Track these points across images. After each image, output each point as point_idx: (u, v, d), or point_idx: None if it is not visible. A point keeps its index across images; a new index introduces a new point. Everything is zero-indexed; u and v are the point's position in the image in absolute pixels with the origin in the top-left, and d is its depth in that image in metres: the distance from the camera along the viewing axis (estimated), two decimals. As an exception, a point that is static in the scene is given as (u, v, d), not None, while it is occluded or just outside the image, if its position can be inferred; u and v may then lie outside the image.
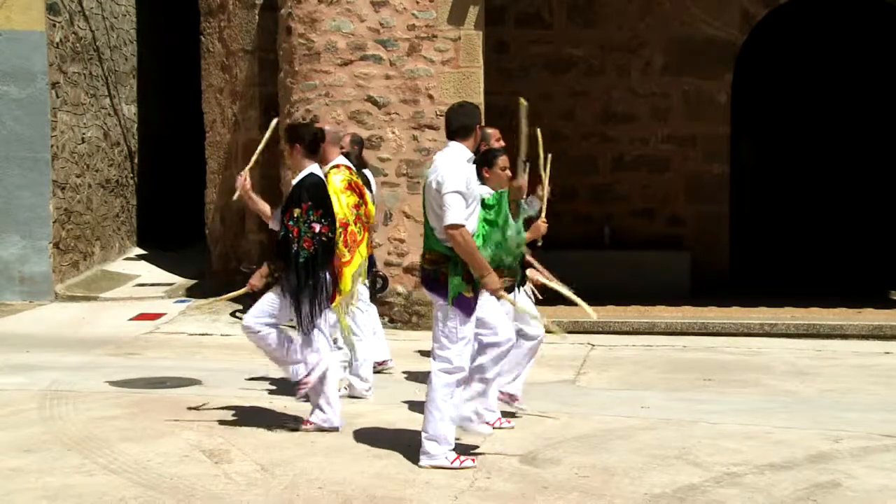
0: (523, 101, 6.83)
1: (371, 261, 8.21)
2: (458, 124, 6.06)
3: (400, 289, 11.10)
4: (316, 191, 6.46)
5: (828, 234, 14.09)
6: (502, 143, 7.74)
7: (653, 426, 6.85)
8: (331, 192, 6.81)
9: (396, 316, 11.22)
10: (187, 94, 15.97)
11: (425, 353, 9.78)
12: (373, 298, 11.05)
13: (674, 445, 6.31)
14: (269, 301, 6.53)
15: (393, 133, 11.21)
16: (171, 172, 17.50)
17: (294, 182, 6.54)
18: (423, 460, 5.84)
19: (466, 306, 5.84)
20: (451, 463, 5.80)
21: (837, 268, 13.79)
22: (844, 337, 10.60)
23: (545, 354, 9.73)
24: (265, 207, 6.86)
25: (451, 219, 5.74)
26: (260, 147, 7.01)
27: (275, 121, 7.18)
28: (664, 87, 13.61)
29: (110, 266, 15.13)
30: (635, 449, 6.24)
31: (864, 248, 13.97)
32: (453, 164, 5.86)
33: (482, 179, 6.48)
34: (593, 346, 10.29)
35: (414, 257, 10.46)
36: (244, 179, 6.73)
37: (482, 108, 11.11)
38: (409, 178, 11.18)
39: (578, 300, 6.81)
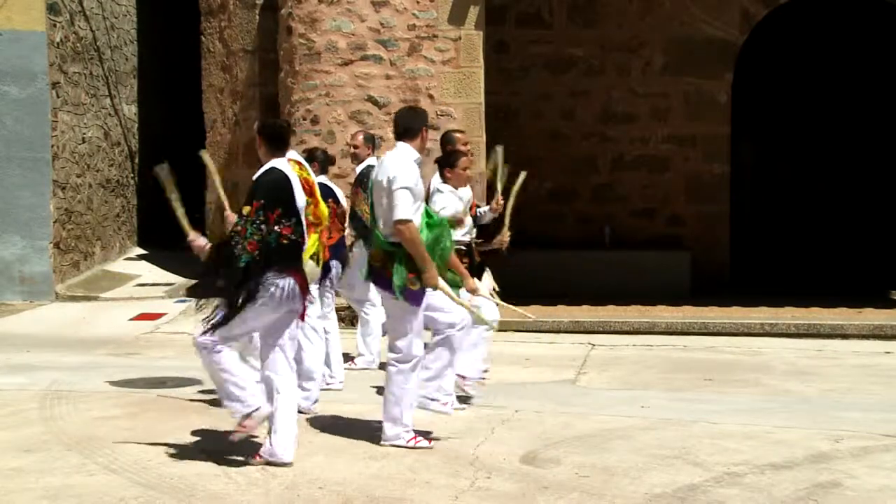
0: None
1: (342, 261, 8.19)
2: (405, 126, 6.43)
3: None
4: (273, 188, 5.83)
5: (828, 234, 14.08)
6: (468, 147, 8.16)
7: (653, 426, 6.85)
8: None
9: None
10: (188, 94, 15.97)
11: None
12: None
13: (674, 445, 6.31)
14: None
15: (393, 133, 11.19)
16: (171, 172, 17.46)
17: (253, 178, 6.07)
18: (383, 440, 6.26)
19: (414, 298, 6.17)
20: (408, 442, 6.21)
21: (838, 268, 13.78)
22: (845, 337, 10.60)
23: (545, 354, 9.76)
24: None
25: (400, 214, 6.08)
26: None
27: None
28: (664, 87, 13.61)
29: (111, 266, 15.13)
30: (635, 449, 6.24)
31: (865, 248, 13.97)
32: (403, 163, 6.22)
33: (444, 179, 7.17)
34: (594, 345, 10.29)
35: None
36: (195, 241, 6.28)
37: (482, 108, 11.17)
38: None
39: (510, 307, 7.26)
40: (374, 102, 11.19)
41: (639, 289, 12.18)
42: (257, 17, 12.93)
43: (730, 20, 13.43)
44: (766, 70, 14.00)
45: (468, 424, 6.84)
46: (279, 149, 6.04)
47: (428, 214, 6.37)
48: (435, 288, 6.27)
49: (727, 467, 5.86)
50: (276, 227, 5.75)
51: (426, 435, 6.38)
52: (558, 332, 10.87)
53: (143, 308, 12.48)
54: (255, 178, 5.95)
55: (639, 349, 10.16)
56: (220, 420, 6.89)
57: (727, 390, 8.26)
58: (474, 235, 7.69)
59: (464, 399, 7.30)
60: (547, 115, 13.75)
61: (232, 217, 6.25)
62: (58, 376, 8.37)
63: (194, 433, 6.57)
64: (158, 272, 14.98)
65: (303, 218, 5.96)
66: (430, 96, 11.13)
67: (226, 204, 6.74)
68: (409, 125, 6.40)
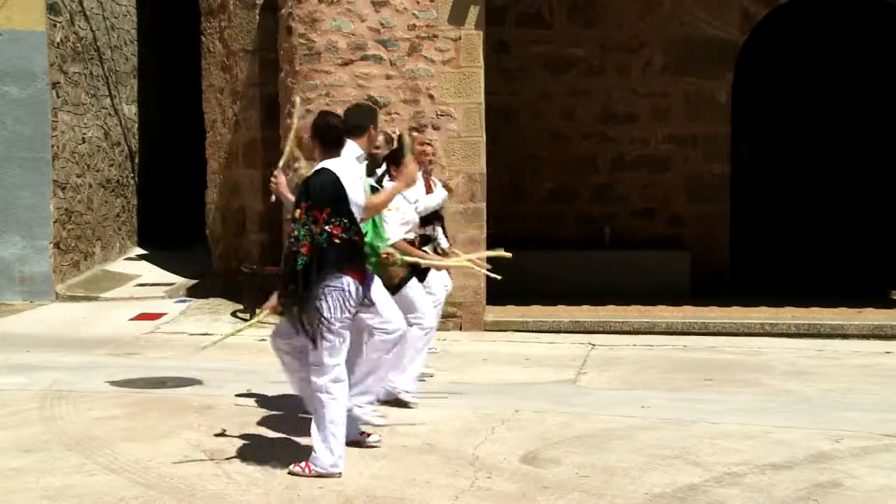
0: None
1: None
2: (352, 124, 6.32)
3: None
4: (322, 189, 5.70)
5: (828, 234, 14.08)
6: (425, 148, 8.36)
7: (653, 426, 6.85)
8: None
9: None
10: (188, 94, 15.97)
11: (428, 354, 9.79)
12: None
13: (674, 445, 6.31)
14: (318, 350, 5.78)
15: (393, 133, 11.19)
16: (171, 172, 17.50)
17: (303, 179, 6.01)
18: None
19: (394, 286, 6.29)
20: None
21: (838, 267, 13.78)
22: (845, 337, 10.60)
23: (545, 354, 9.76)
24: None
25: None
26: (289, 145, 6.59)
27: (298, 100, 7.10)
28: (664, 87, 13.61)
29: (111, 266, 15.13)
30: (636, 449, 6.24)
31: (865, 248, 13.97)
32: (345, 161, 6.07)
33: (391, 176, 7.18)
34: (594, 345, 10.29)
35: (414, 257, 10.44)
36: (278, 178, 6.27)
37: (482, 107, 11.17)
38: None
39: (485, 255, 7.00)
40: (375, 102, 11.18)
41: (639, 289, 12.18)
42: (257, 17, 12.94)
43: (730, 20, 13.43)
44: (766, 70, 14.00)
45: (468, 424, 6.84)
46: (332, 147, 5.90)
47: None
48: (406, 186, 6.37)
49: (727, 467, 5.86)
50: (326, 227, 5.62)
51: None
52: (558, 332, 10.87)
53: (143, 308, 12.49)
54: (304, 179, 5.87)
55: (639, 349, 10.16)
56: (220, 420, 6.90)
57: (727, 390, 8.26)
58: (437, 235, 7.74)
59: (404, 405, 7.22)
60: (547, 115, 13.74)
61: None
62: (58, 376, 8.37)
63: (194, 433, 6.57)
64: (158, 272, 14.98)
65: (357, 216, 5.82)
66: (430, 96, 11.13)
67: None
68: (357, 122, 6.32)
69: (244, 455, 6.05)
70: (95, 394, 7.77)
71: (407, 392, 7.24)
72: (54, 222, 13.18)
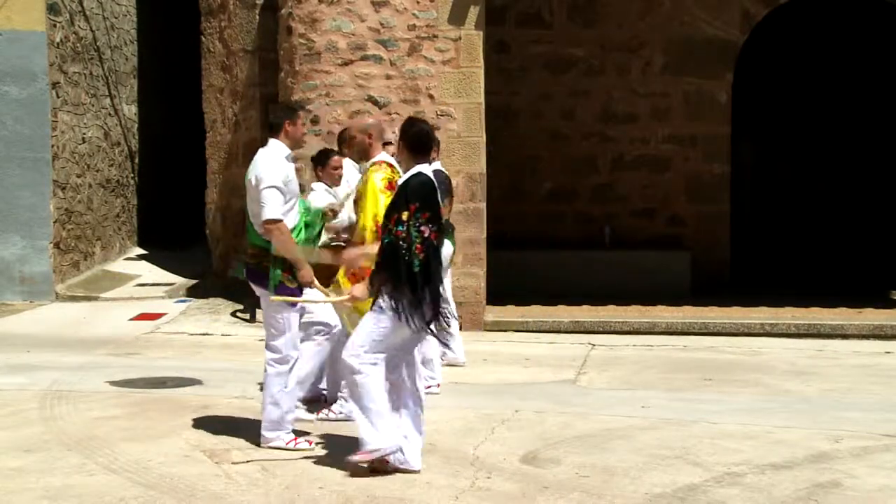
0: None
1: None
2: (269, 122, 6.42)
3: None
4: (422, 192, 5.70)
5: (828, 234, 14.08)
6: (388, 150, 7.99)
7: (653, 426, 6.85)
8: (368, 192, 6.63)
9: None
10: (188, 94, 15.97)
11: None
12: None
13: (674, 445, 6.31)
14: (370, 328, 5.72)
15: (394, 133, 11.18)
16: (171, 172, 17.50)
17: (399, 182, 5.92)
18: (263, 442, 6.19)
19: (289, 296, 6.12)
20: (287, 444, 6.15)
21: (838, 268, 13.78)
22: (845, 337, 10.60)
23: (545, 354, 9.76)
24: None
25: (268, 214, 6.03)
26: None
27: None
28: (664, 87, 13.61)
29: (111, 266, 15.13)
30: (636, 449, 6.24)
31: (865, 248, 13.97)
32: (270, 161, 6.14)
33: (318, 177, 7.31)
34: (594, 345, 10.29)
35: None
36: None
37: (482, 108, 11.17)
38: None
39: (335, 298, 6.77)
40: (375, 102, 11.19)
41: (639, 289, 12.18)
42: (257, 17, 12.94)
43: (730, 20, 13.43)
44: (767, 70, 14.00)
45: (468, 424, 6.84)
46: (420, 152, 5.85)
47: (305, 208, 6.38)
48: (310, 286, 6.20)
49: (727, 467, 5.86)
50: (423, 230, 5.64)
51: (306, 435, 6.35)
52: (558, 332, 10.87)
53: (143, 308, 12.49)
54: (401, 182, 5.83)
55: (639, 349, 10.16)
56: (220, 420, 6.90)
57: (727, 390, 8.26)
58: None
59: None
60: (547, 115, 13.74)
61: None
62: (58, 376, 8.37)
63: (194, 433, 6.57)
64: (158, 272, 14.99)
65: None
66: (430, 96, 11.13)
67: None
68: (273, 120, 6.34)
69: (244, 455, 6.05)
70: (95, 394, 7.77)
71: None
72: (54, 222, 13.18)
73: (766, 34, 13.60)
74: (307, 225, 6.34)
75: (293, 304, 6.16)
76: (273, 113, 6.48)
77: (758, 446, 6.31)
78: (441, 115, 11.10)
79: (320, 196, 7.31)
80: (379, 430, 5.63)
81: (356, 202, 6.92)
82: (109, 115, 15.50)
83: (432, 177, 5.83)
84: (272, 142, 6.27)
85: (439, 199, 5.84)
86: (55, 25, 13.35)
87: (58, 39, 13.43)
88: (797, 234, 14.13)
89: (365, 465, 5.67)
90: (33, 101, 12.99)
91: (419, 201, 5.65)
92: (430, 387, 7.34)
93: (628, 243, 13.41)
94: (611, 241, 13.47)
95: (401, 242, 5.59)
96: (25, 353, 9.66)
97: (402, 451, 5.72)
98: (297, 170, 6.69)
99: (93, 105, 14.79)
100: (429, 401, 7.43)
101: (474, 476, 5.68)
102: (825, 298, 11.86)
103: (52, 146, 13.17)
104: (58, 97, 13.40)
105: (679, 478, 5.66)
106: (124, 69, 16.21)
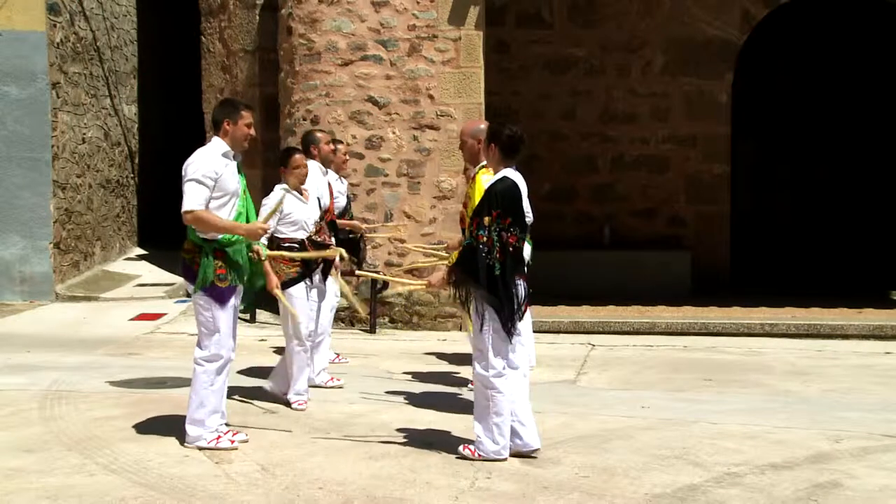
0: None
1: None
2: (212, 120, 6.42)
3: (400, 289, 11.10)
4: (506, 197, 5.85)
5: (828, 234, 14.09)
6: (333, 147, 8.44)
7: (653, 426, 6.85)
8: (476, 194, 6.57)
9: (397, 316, 11.23)
10: (188, 95, 15.97)
11: (429, 354, 9.80)
12: (373, 298, 11.12)
13: (674, 445, 6.31)
14: (482, 339, 5.94)
15: (393, 133, 11.21)
16: (171, 173, 17.45)
17: (486, 187, 6.04)
18: (187, 442, 6.19)
19: (219, 296, 6.11)
20: (209, 443, 6.16)
21: (838, 268, 13.79)
22: (845, 337, 10.61)
23: (545, 354, 9.75)
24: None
25: (185, 205, 6.07)
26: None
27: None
28: (664, 87, 13.62)
29: (111, 266, 15.13)
30: (636, 449, 6.24)
31: (865, 249, 13.98)
32: (199, 157, 6.16)
33: (283, 178, 7.33)
34: (594, 346, 10.29)
35: (414, 257, 10.46)
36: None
37: (482, 108, 11.17)
38: (410, 178, 11.19)
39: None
40: (375, 103, 11.19)
41: (639, 289, 12.19)
42: (257, 17, 12.94)
43: (730, 20, 13.44)
44: (767, 70, 14.01)
45: (468, 425, 6.83)
46: (511, 155, 6.00)
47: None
48: (265, 232, 6.25)
49: (727, 467, 5.86)
50: (504, 235, 5.82)
51: (229, 434, 6.30)
52: (558, 332, 10.88)
53: (143, 308, 12.49)
54: (487, 186, 5.97)
55: (639, 349, 10.16)
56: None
57: (727, 390, 8.26)
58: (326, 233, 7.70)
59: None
60: (547, 115, 13.76)
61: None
62: (58, 376, 8.37)
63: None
64: (158, 272, 14.98)
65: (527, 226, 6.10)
66: (431, 96, 11.13)
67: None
68: (213, 118, 6.34)
69: (244, 455, 6.05)
70: (95, 394, 7.77)
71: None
72: (54, 222, 13.18)
73: (766, 34, 13.61)
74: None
75: (222, 300, 6.15)
76: (215, 110, 6.41)
77: (758, 446, 6.31)
78: (441, 116, 11.10)
79: (274, 196, 7.32)
80: (499, 443, 5.94)
81: (465, 205, 7.05)
82: (109, 115, 15.50)
83: (518, 181, 5.95)
84: (213, 139, 6.28)
85: (522, 205, 5.98)
86: (55, 25, 13.35)
87: (58, 39, 13.43)
88: (797, 234, 14.13)
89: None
90: (33, 101, 12.99)
91: (502, 207, 5.81)
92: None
93: (628, 243, 13.42)
94: (611, 241, 13.47)
95: (482, 246, 5.79)
96: (25, 354, 9.66)
97: (519, 436, 6.01)
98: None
99: (93, 105, 14.79)
100: (427, 401, 7.46)
101: (474, 476, 5.68)
102: (825, 298, 11.87)
103: (52, 146, 13.17)
104: (58, 97, 13.40)
105: (679, 478, 5.66)
106: (124, 69, 16.21)
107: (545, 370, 9.08)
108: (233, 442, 6.22)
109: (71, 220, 13.82)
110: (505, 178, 5.91)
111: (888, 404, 7.67)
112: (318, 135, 8.33)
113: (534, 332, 10.81)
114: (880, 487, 5.52)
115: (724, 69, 13.48)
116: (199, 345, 6.26)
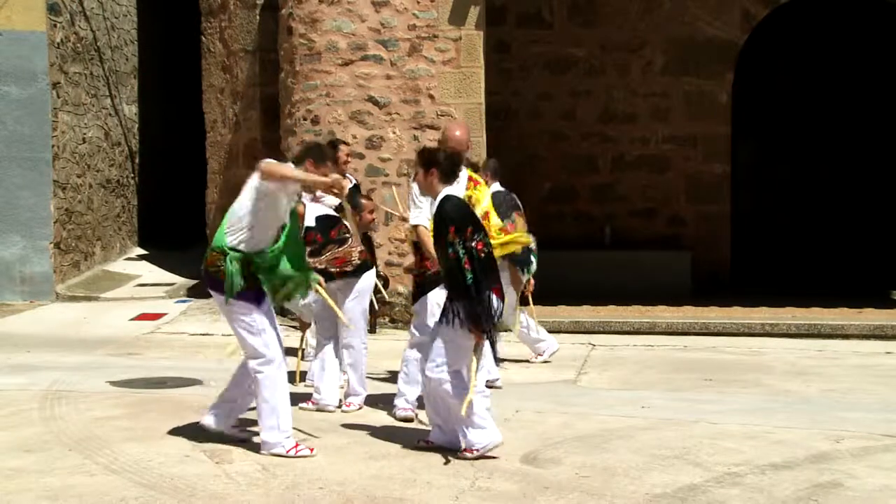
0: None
1: None
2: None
3: (400, 289, 11.10)
4: (457, 212, 6.08)
5: (828, 234, 14.08)
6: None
7: (653, 426, 6.85)
8: (481, 195, 7.02)
9: (397, 316, 11.23)
10: (188, 95, 15.98)
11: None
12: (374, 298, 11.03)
13: (674, 445, 6.31)
14: (439, 343, 6.10)
15: (394, 133, 11.21)
16: (171, 172, 17.50)
17: (434, 209, 6.21)
18: (264, 450, 6.06)
19: (251, 298, 6.09)
20: (288, 451, 6.03)
21: (838, 268, 13.78)
22: (845, 337, 10.60)
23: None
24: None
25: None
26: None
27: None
28: (664, 87, 13.61)
29: (111, 266, 15.14)
30: (636, 449, 6.24)
31: (865, 249, 13.97)
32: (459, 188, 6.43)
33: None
34: (594, 345, 10.29)
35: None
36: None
37: (482, 107, 11.17)
38: (410, 178, 11.18)
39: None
40: (375, 103, 11.19)
41: (639, 289, 12.18)
42: (257, 17, 12.94)
43: (730, 20, 13.43)
44: (767, 70, 14.00)
45: (468, 424, 6.83)
46: (450, 178, 6.22)
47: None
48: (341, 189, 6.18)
49: (727, 467, 5.86)
50: (472, 244, 6.00)
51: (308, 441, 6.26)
52: (558, 332, 10.85)
53: (143, 308, 12.49)
54: (435, 209, 6.16)
55: (639, 349, 10.16)
56: (220, 420, 6.88)
57: (727, 390, 8.26)
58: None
59: None
60: (547, 115, 13.75)
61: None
62: (58, 376, 8.37)
63: (194, 433, 6.56)
64: (158, 272, 14.99)
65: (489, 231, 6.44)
66: (431, 96, 11.13)
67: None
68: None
69: (244, 455, 6.05)
70: (96, 394, 7.77)
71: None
72: (54, 222, 13.19)
73: (766, 34, 13.60)
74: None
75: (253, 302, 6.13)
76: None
77: (758, 446, 6.31)
78: (441, 115, 11.10)
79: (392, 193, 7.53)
80: (484, 427, 6.01)
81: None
82: (110, 115, 15.50)
83: (459, 194, 6.22)
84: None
85: (474, 211, 6.32)
86: (55, 25, 13.35)
87: (58, 39, 13.43)
88: (797, 234, 14.13)
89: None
90: (34, 101, 12.99)
91: (456, 223, 6.02)
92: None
93: (628, 243, 13.42)
94: (611, 241, 13.47)
95: (452, 261, 5.99)
96: (26, 353, 9.67)
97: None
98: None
99: (93, 105, 14.79)
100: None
101: (474, 476, 5.68)
102: (825, 298, 11.87)
103: (53, 146, 13.18)
104: (58, 97, 13.41)
105: (679, 478, 5.66)
106: (124, 69, 16.22)
107: (545, 370, 9.08)
108: (312, 450, 6.09)
109: (71, 220, 13.83)
110: (449, 197, 6.12)
111: (888, 404, 7.67)
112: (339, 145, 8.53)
113: (534, 331, 10.86)
114: (880, 487, 5.52)
115: (725, 69, 13.47)
116: (249, 355, 6.16)
